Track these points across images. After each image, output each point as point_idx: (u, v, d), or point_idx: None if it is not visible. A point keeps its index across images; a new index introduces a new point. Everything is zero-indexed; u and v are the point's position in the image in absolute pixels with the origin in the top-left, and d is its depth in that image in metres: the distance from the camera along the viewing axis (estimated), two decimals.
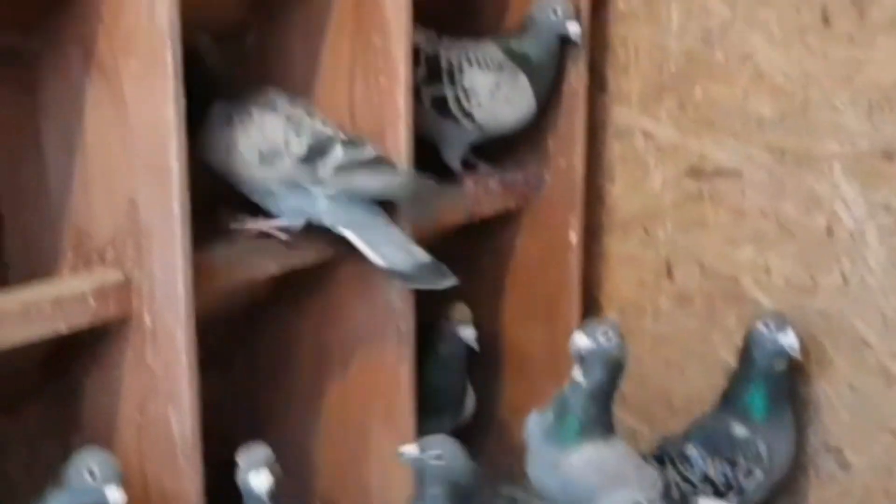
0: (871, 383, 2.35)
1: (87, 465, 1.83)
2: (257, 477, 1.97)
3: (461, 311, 2.63)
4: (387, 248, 2.17)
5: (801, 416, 2.45)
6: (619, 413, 2.39)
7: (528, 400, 2.67)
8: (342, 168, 2.10)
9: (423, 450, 2.05)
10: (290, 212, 2.14)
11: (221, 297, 2.34)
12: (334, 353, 2.44)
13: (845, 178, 2.33)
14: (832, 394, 2.41)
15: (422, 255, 2.20)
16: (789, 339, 2.31)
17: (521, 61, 2.48)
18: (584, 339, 2.19)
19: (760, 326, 2.34)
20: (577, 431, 2.22)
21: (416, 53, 2.41)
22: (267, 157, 2.09)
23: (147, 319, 1.95)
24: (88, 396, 2.11)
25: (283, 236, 2.15)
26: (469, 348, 2.64)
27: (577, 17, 2.48)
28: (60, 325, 1.88)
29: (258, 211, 2.18)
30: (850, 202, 2.33)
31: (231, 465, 2.75)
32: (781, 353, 2.33)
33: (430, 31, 2.50)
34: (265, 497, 1.96)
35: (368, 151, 2.14)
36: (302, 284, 2.43)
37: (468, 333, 2.61)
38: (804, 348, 2.38)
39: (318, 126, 2.14)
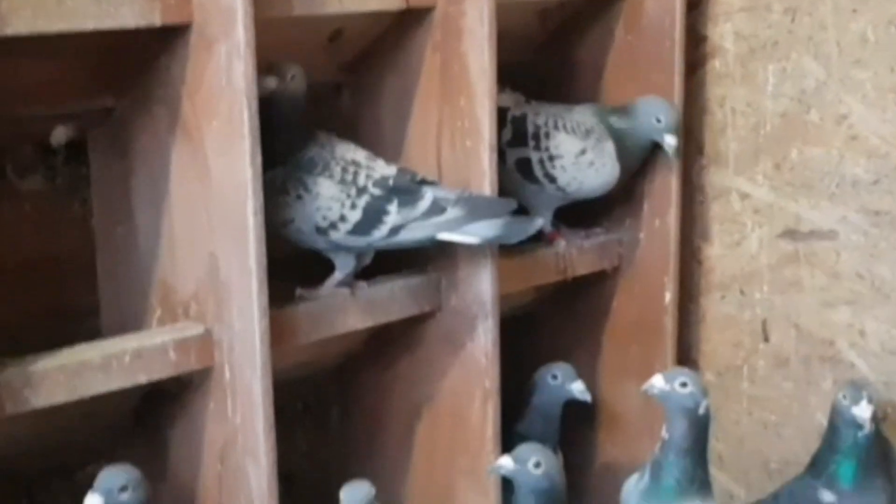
0: None
1: None
2: None
3: (566, 368, 2.61)
4: (466, 228, 2.14)
5: None
6: (716, 474, 2.36)
7: (621, 463, 2.67)
8: (396, 228, 2.12)
9: (518, 461, 2.04)
10: (346, 265, 2.18)
11: (312, 352, 2.40)
12: (423, 410, 2.46)
13: None
14: None
15: (504, 207, 2.18)
16: (861, 411, 2.25)
17: (612, 131, 2.48)
18: (661, 381, 2.17)
19: (840, 397, 2.29)
20: (674, 490, 2.19)
21: (504, 115, 2.44)
22: (323, 230, 2.12)
23: (227, 372, 2.00)
24: (173, 446, 2.16)
25: (346, 291, 2.17)
26: (564, 408, 2.62)
27: (678, 132, 2.48)
28: (141, 377, 1.93)
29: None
30: None
31: None
32: (858, 424, 2.27)
33: (519, 94, 2.53)
34: None
35: (425, 203, 2.13)
36: (391, 342, 2.46)
37: (578, 386, 2.56)
38: None
39: (374, 184, 2.13)
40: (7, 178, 2.17)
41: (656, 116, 2.46)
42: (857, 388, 2.29)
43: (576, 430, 2.72)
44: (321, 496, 2.77)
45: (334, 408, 2.72)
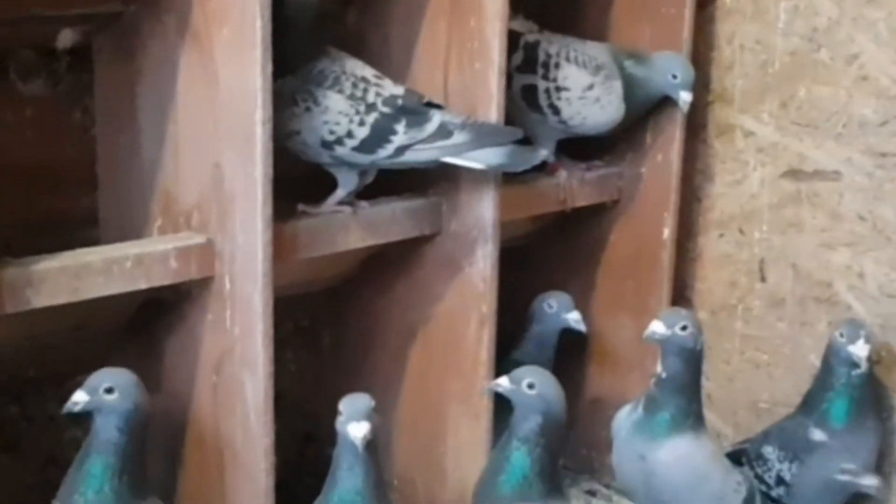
0: None
1: None
2: (357, 427, 1.88)
3: (563, 297, 2.62)
4: (472, 154, 2.13)
5: (887, 424, 2.39)
6: (705, 413, 2.35)
7: (612, 394, 2.68)
8: (402, 148, 2.11)
9: (514, 381, 2.04)
10: (348, 182, 2.16)
11: (308, 272, 2.39)
12: (417, 334, 2.46)
13: None
14: None
15: (510, 136, 2.17)
16: (858, 349, 2.26)
17: (624, 74, 2.47)
18: (661, 327, 2.17)
19: (836, 335, 2.30)
20: (667, 424, 2.21)
21: (516, 41, 2.42)
22: (328, 144, 2.10)
23: (227, 283, 1.99)
24: (168, 357, 2.16)
25: (348, 209, 2.16)
26: (560, 336, 2.62)
27: (692, 89, 2.46)
28: (141, 283, 1.92)
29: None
30: None
31: (313, 439, 2.81)
32: (853, 362, 2.28)
33: (532, 23, 2.50)
34: (360, 448, 1.88)
35: (432, 125, 2.11)
36: (388, 265, 2.46)
37: (574, 316, 2.59)
38: (894, 356, 2.33)
39: (383, 102, 2.11)
40: (10, 81, 2.14)
41: (672, 73, 2.44)
42: (855, 327, 2.29)
43: (568, 361, 2.72)
44: (309, 416, 2.79)
45: (326, 330, 2.72)
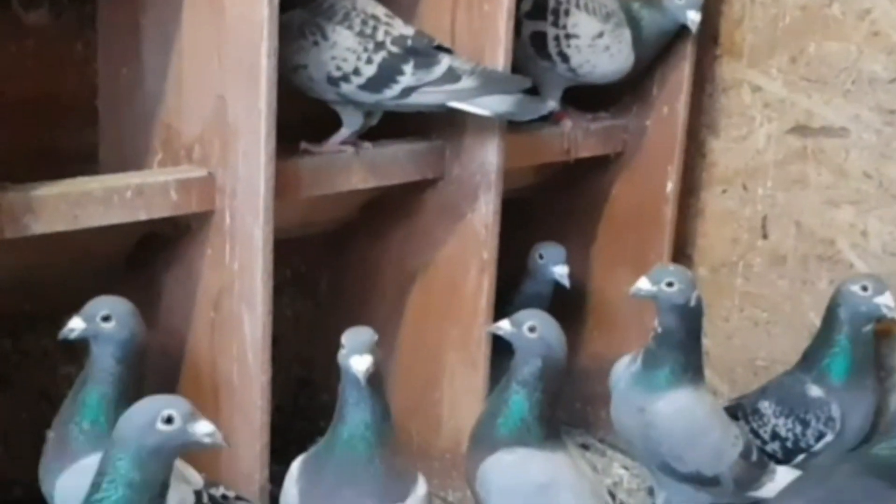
0: None
1: None
2: (360, 361, 1.83)
3: (554, 249, 2.60)
4: (479, 100, 2.11)
5: (886, 384, 2.38)
6: None
7: (609, 348, 2.66)
8: (408, 90, 2.08)
9: (515, 324, 2.02)
10: (353, 122, 2.14)
11: (307, 213, 2.37)
12: (416, 280, 2.44)
13: None
14: None
15: (519, 84, 2.15)
16: (886, 300, 2.25)
17: (631, 20, 2.44)
18: (647, 284, 2.15)
19: (854, 287, 2.28)
20: (666, 378, 2.19)
21: None
22: (335, 80, 2.08)
23: (227, 217, 1.97)
24: (166, 293, 2.14)
25: (350, 149, 2.14)
26: (555, 290, 2.61)
27: (700, 8, 2.43)
28: (141, 214, 1.90)
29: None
30: None
31: (308, 385, 2.80)
32: (875, 314, 2.27)
33: None
34: (363, 381, 1.83)
35: (440, 68, 2.09)
36: (388, 209, 2.44)
37: (560, 270, 2.57)
38: None
39: (392, 42, 2.08)
40: (12, 10, 2.11)
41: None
42: (878, 280, 2.27)
43: (566, 314, 2.68)
44: (304, 362, 2.78)
45: (324, 276, 2.70)
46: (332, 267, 2.66)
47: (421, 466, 2.48)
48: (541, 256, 2.59)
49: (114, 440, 1.56)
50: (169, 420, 1.55)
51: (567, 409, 2.76)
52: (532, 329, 1.99)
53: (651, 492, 2.47)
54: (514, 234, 2.46)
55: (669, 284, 2.15)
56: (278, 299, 2.70)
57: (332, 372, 2.68)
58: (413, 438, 2.51)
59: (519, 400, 1.98)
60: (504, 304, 2.46)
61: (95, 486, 1.55)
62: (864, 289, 2.27)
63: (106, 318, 1.81)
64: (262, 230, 1.92)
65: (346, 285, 2.61)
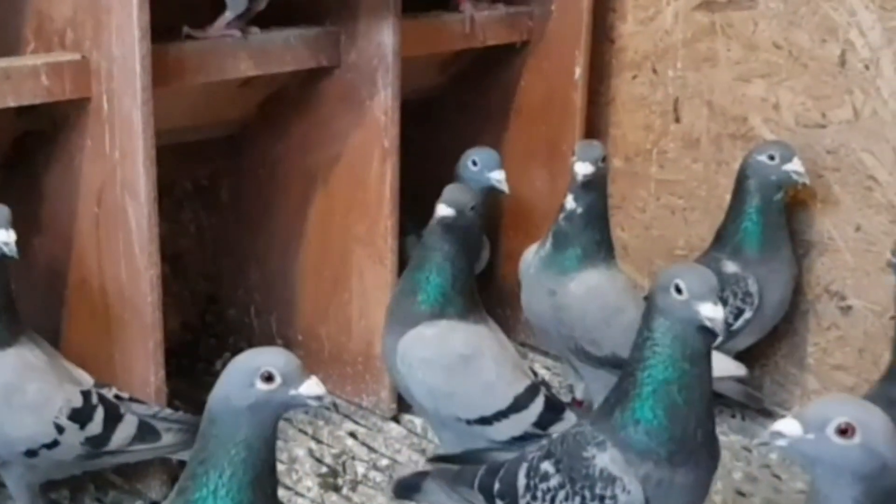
0: (877, 222, 2.21)
1: None
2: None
3: (488, 154, 2.42)
4: None
5: (803, 260, 2.33)
6: (620, 265, 2.27)
7: (524, 246, 2.57)
8: None
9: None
10: (237, 4, 2.02)
11: (204, 112, 2.27)
12: (318, 177, 2.35)
13: (862, 4, 2.18)
14: (837, 235, 2.28)
15: None
16: (794, 166, 2.19)
17: None
18: (589, 167, 2.06)
19: (761, 157, 2.23)
20: (577, 258, 2.12)
21: None
22: None
23: (105, 103, 1.86)
24: (49, 193, 2.03)
25: (237, 34, 2.03)
26: (486, 194, 2.41)
27: None
28: (9, 100, 1.79)
29: None
30: (865, 29, 2.18)
31: (215, 301, 2.70)
32: (785, 182, 2.21)
33: None
34: None
35: None
36: (286, 105, 2.34)
37: (497, 175, 2.40)
38: (811, 189, 2.27)
39: None
40: None
41: None
42: (785, 147, 2.22)
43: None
44: (210, 278, 2.68)
45: (224, 184, 2.60)
46: (234, 174, 2.55)
47: (333, 372, 2.42)
48: (474, 163, 2.42)
49: (209, 402, 1.35)
50: (269, 378, 1.34)
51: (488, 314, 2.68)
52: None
53: (572, 389, 2.40)
54: (425, 136, 2.37)
55: (603, 160, 2.09)
56: (180, 214, 2.64)
57: (239, 287, 2.63)
58: (324, 344, 2.43)
59: (438, 274, 1.91)
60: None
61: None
62: (772, 158, 2.22)
63: None
64: (142, 112, 1.82)
65: (248, 192, 2.51)
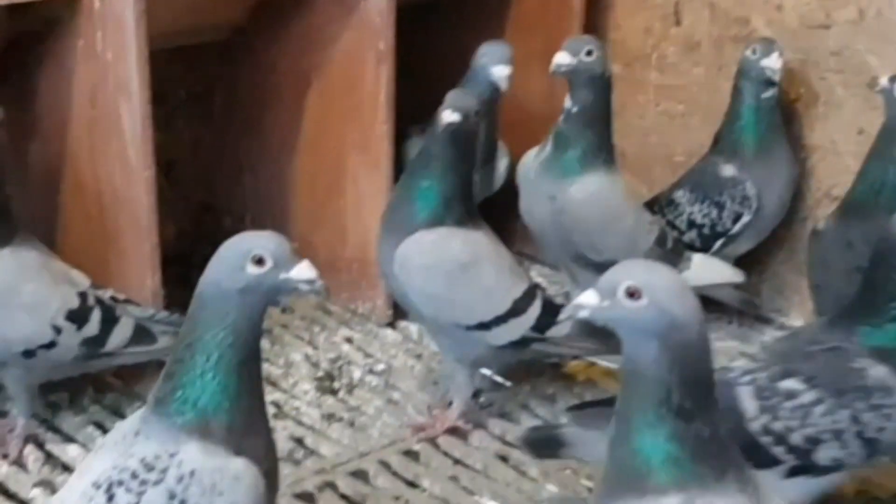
0: (880, 125, 2.18)
1: None
2: None
3: (496, 47, 2.34)
4: None
5: (805, 164, 2.31)
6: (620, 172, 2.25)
7: (523, 151, 2.54)
8: None
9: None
10: None
11: (195, 14, 2.24)
12: (312, 82, 2.33)
13: None
14: (839, 139, 2.26)
15: None
16: (772, 62, 2.17)
17: None
18: (567, 57, 2.04)
19: (747, 52, 2.21)
20: (578, 161, 2.10)
21: None
22: None
23: (96, 1, 1.83)
24: (42, 97, 2.02)
25: None
26: (492, 98, 2.33)
27: None
28: None
29: None
30: None
31: (209, 209, 2.68)
32: (760, 76, 2.19)
33: None
34: None
35: None
36: (280, 9, 2.31)
37: (499, 71, 2.31)
38: (814, 93, 2.24)
39: None
40: None
41: None
42: (768, 43, 2.19)
43: None
44: (205, 186, 2.66)
45: (218, 91, 2.57)
46: (227, 82, 2.52)
47: (329, 279, 2.39)
48: (483, 55, 2.32)
49: (199, 286, 1.32)
50: (260, 261, 1.31)
51: None
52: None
53: (568, 296, 2.39)
54: (421, 45, 2.32)
55: (588, 53, 2.05)
56: (174, 122, 2.60)
57: (234, 195, 2.60)
58: (318, 252, 2.40)
59: (441, 182, 1.88)
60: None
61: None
62: (754, 52, 2.20)
63: None
64: (134, 11, 1.79)
65: (242, 99, 2.49)
